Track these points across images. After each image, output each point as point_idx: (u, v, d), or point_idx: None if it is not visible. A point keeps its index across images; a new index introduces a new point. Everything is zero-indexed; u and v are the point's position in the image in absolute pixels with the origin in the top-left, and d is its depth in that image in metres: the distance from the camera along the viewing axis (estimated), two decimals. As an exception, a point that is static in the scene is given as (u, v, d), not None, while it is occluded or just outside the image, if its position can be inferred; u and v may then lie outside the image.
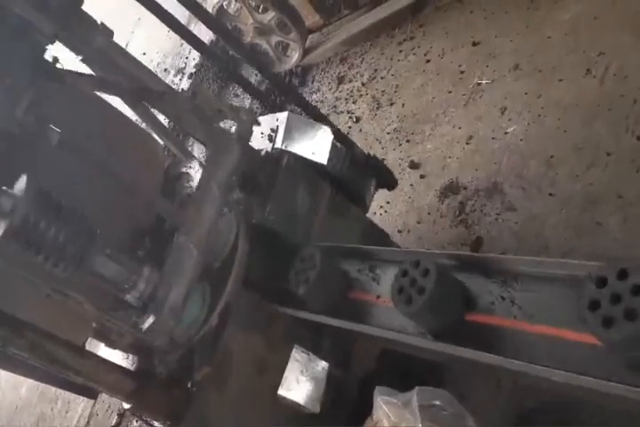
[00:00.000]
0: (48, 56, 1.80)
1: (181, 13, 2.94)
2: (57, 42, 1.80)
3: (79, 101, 1.93)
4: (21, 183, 1.50)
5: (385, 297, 1.71)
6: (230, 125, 2.12)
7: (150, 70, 2.08)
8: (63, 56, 1.88)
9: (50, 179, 1.63)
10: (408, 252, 1.99)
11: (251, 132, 1.99)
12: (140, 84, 1.98)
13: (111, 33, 1.89)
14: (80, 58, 1.89)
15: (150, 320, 1.68)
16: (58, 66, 1.80)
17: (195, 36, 2.46)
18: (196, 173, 2.18)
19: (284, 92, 3.41)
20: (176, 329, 1.73)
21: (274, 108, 3.86)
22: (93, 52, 1.85)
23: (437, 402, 1.73)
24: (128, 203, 1.93)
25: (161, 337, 1.68)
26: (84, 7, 1.85)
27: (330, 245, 2.00)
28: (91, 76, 1.92)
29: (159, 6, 2.23)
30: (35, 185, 1.50)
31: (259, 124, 2.08)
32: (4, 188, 1.51)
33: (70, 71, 1.83)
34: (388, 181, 2.66)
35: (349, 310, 1.80)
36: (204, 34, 3.63)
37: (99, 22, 1.87)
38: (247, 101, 4.65)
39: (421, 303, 1.43)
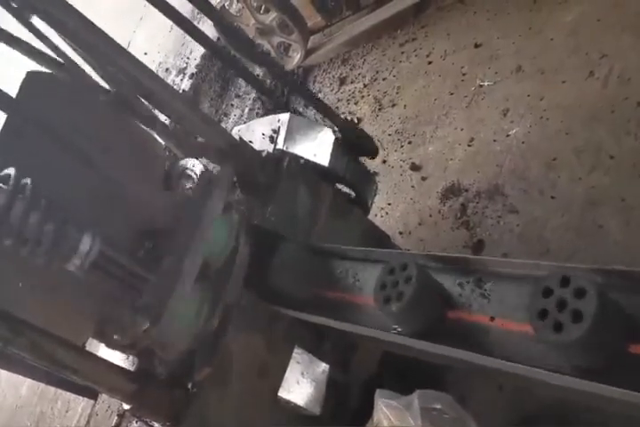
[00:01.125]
0: None
1: (186, 9, 2.94)
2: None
3: (77, 100, 1.93)
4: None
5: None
6: (231, 127, 2.11)
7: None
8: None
9: (39, 174, 1.64)
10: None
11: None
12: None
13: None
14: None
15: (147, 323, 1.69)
16: None
17: (200, 30, 2.44)
18: (196, 173, 2.17)
19: (288, 84, 3.40)
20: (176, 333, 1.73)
21: (278, 105, 3.87)
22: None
23: (438, 406, 1.73)
24: (128, 203, 1.92)
25: (162, 344, 1.67)
26: (87, 6, 1.84)
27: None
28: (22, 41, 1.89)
29: (164, 1, 2.22)
30: (15, 175, 1.51)
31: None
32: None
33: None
34: (369, 149, 2.64)
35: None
36: (209, 31, 3.62)
37: None
38: (248, 102, 4.64)
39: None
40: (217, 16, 2.93)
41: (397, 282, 1.52)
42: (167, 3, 2.22)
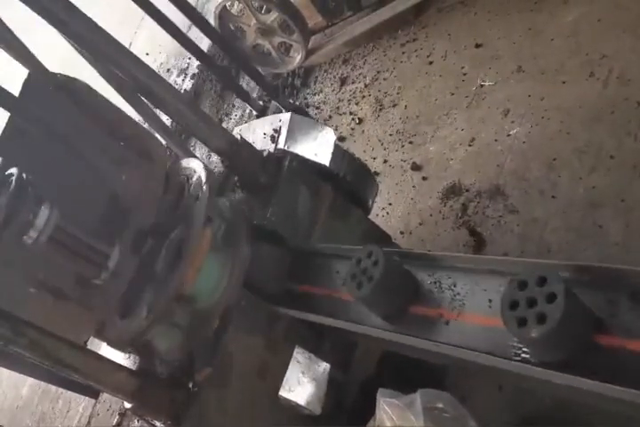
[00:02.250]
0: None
1: (181, 19, 2.95)
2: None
3: (77, 99, 1.93)
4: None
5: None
6: (230, 127, 2.12)
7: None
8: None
9: (43, 173, 1.64)
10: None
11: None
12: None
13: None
14: None
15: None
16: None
17: (192, 41, 2.45)
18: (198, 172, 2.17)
19: (274, 98, 3.43)
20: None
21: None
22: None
23: (440, 404, 1.73)
24: (129, 203, 1.93)
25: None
26: (88, 7, 1.84)
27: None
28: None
29: (159, 13, 2.23)
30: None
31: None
32: None
33: None
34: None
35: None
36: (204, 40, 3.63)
37: None
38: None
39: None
40: (210, 29, 2.94)
41: (534, 300, 1.23)
42: (162, 13, 2.24)
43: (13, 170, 1.58)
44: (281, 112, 3.15)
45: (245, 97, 3.44)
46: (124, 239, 1.83)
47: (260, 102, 3.66)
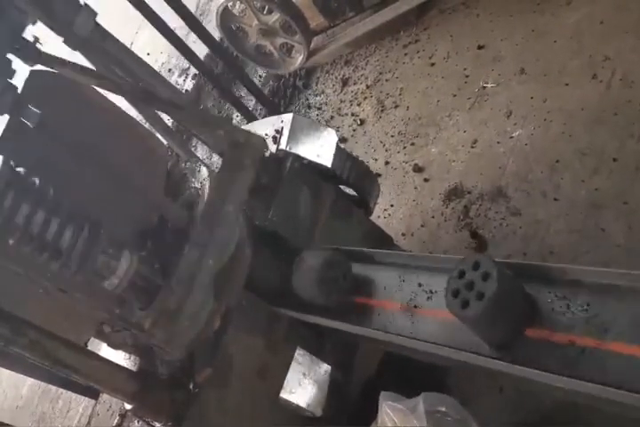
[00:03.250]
0: (29, 36, 1.77)
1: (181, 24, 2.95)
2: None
3: (80, 99, 1.92)
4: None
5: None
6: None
7: (140, 58, 2.03)
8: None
9: (51, 177, 1.63)
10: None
11: (262, 159, 1.99)
12: (136, 81, 1.96)
13: (93, 13, 1.84)
14: (62, 39, 1.84)
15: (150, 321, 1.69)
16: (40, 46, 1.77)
17: (189, 48, 2.43)
18: (198, 173, 2.17)
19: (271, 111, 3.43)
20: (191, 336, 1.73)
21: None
22: (75, 34, 1.80)
23: (442, 408, 1.73)
24: (130, 202, 1.92)
25: (175, 346, 1.67)
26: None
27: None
28: (75, 63, 1.88)
29: (159, 19, 2.22)
30: (9, 166, 1.51)
31: (268, 149, 2.09)
32: None
33: (54, 56, 1.80)
34: None
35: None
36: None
37: (82, 3, 1.82)
38: (251, 103, 4.63)
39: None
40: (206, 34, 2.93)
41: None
42: (162, 20, 2.23)
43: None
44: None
45: (242, 108, 3.41)
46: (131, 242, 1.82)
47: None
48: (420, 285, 1.72)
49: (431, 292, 1.69)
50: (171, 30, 2.16)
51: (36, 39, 1.75)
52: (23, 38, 1.74)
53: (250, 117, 3.53)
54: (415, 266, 1.77)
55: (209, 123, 2.03)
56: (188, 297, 1.71)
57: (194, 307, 1.71)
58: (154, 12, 2.12)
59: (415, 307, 1.70)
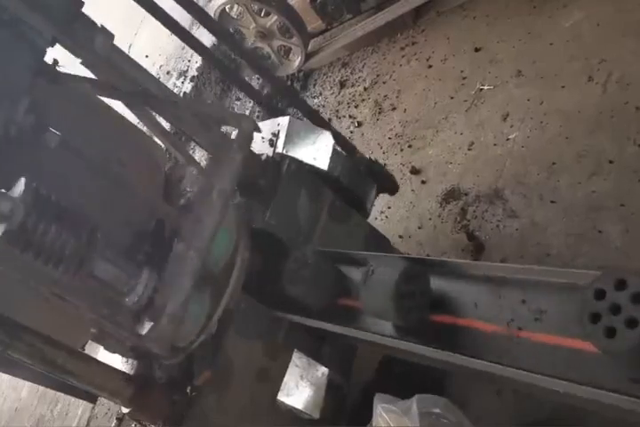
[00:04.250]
0: (48, 58, 1.80)
1: (184, 17, 2.95)
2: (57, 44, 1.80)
3: (80, 104, 1.93)
4: (20, 186, 1.50)
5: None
6: (230, 130, 2.12)
7: (152, 75, 2.07)
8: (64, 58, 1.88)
9: (49, 181, 1.63)
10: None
11: (251, 140, 1.98)
12: (142, 88, 1.98)
13: (111, 36, 1.88)
14: (80, 61, 1.88)
15: (148, 326, 1.68)
16: (59, 68, 1.80)
17: (196, 39, 2.46)
18: (196, 176, 2.18)
19: (286, 96, 3.41)
20: (176, 335, 1.72)
21: (275, 113, 3.86)
22: (93, 55, 1.84)
23: (437, 410, 1.73)
24: (128, 206, 1.92)
25: (160, 344, 1.67)
26: (86, 9, 1.84)
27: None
28: (92, 79, 1.92)
29: (161, 9, 2.23)
30: (33, 187, 1.50)
31: (259, 131, 2.06)
32: (2, 190, 1.51)
33: (71, 74, 1.83)
34: (390, 186, 2.66)
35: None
36: (206, 38, 3.63)
37: (99, 25, 1.86)
38: (249, 105, 4.65)
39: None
40: (215, 26, 2.93)
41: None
42: (165, 12, 2.24)
43: None
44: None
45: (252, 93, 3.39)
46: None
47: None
48: (523, 302, 1.43)
49: (540, 312, 1.40)
50: (174, 21, 2.18)
51: (56, 62, 1.78)
52: (44, 62, 1.77)
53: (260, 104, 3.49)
54: (516, 280, 1.47)
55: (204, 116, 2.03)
56: (171, 292, 1.70)
57: (178, 301, 1.70)
58: (155, 4, 2.14)
59: (519, 329, 1.42)
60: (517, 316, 1.43)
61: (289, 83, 4.44)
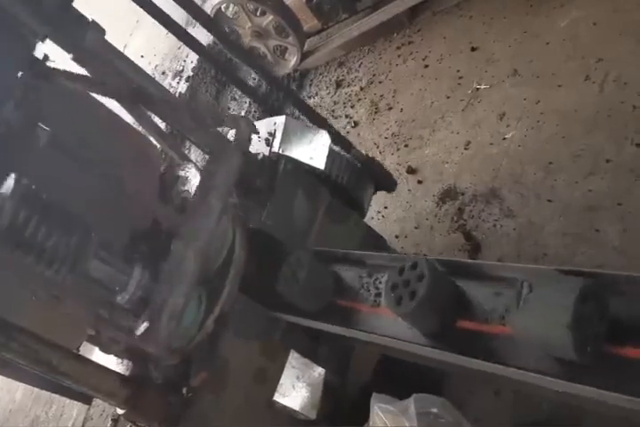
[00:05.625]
0: (39, 53, 1.77)
1: (179, 15, 2.94)
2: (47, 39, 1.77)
3: (73, 102, 1.91)
4: (9, 182, 1.48)
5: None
6: (227, 130, 2.11)
7: (145, 71, 2.05)
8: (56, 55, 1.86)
9: (41, 179, 1.62)
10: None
11: (250, 142, 1.97)
12: (135, 86, 1.96)
13: (103, 31, 1.85)
14: (71, 56, 1.85)
15: (145, 325, 1.67)
16: (49, 64, 1.78)
17: (193, 37, 2.45)
18: (193, 176, 2.16)
19: (284, 95, 3.41)
20: (173, 335, 1.71)
21: (272, 112, 3.86)
22: (84, 50, 1.82)
23: (435, 410, 1.72)
24: (123, 205, 1.91)
25: (157, 345, 1.66)
26: (84, 9, 1.83)
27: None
28: (84, 76, 1.89)
29: (157, 8, 2.22)
30: (23, 184, 1.49)
31: (257, 132, 2.05)
32: None
33: (63, 70, 1.81)
34: (388, 184, 2.65)
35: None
36: (203, 37, 3.62)
37: (90, 20, 1.83)
38: (245, 105, 4.64)
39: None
40: (211, 24, 2.92)
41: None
42: (161, 10, 2.23)
43: None
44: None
45: (250, 91, 3.39)
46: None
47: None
48: None
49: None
50: (171, 19, 2.16)
51: (46, 57, 1.76)
52: (34, 56, 1.75)
53: (257, 101, 3.49)
54: None
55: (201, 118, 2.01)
56: (169, 293, 1.69)
57: (176, 301, 1.69)
58: (152, 2, 2.13)
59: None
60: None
61: (285, 83, 4.44)
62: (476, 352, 1.37)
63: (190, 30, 2.64)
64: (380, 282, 1.71)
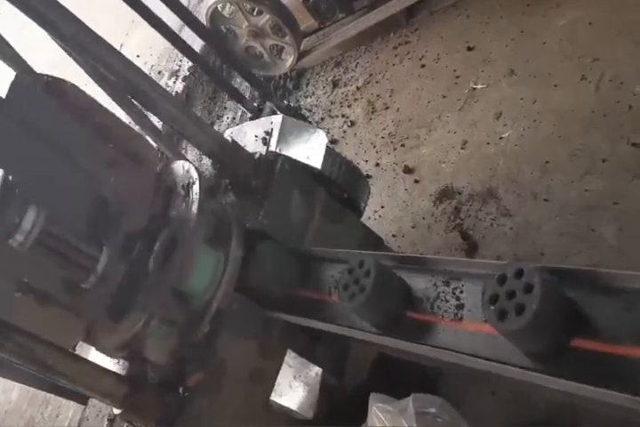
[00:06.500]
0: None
1: (174, 20, 2.95)
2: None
3: (66, 102, 1.90)
4: None
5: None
6: (224, 129, 2.10)
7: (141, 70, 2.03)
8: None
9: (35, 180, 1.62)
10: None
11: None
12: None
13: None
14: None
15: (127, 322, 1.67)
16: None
17: (185, 43, 2.44)
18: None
19: (269, 100, 3.42)
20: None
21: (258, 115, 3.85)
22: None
23: (433, 409, 1.72)
24: (118, 202, 1.90)
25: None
26: (81, 9, 1.82)
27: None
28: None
29: (151, 13, 2.22)
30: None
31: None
32: None
33: None
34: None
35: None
36: (198, 40, 3.61)
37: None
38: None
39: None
40: (202, 29, 2.92)
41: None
42: (155, 15, 2.22)
43: None
44: (275, 114, 3.13)
45: (239, 98, 3.42)
46: (113, 242, 1.80)
47: (255, 104, 3.63)
48: None
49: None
50: (164, 23, 2.16)
51: None
52: None
53: (249, 107, 3.51)
54: None
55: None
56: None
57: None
58: (144, 6, 2.12)
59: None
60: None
61: (281, 82, 4.44)
62: (601, 380, 1.13)
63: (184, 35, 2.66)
64: (462, 291, 1.51)
